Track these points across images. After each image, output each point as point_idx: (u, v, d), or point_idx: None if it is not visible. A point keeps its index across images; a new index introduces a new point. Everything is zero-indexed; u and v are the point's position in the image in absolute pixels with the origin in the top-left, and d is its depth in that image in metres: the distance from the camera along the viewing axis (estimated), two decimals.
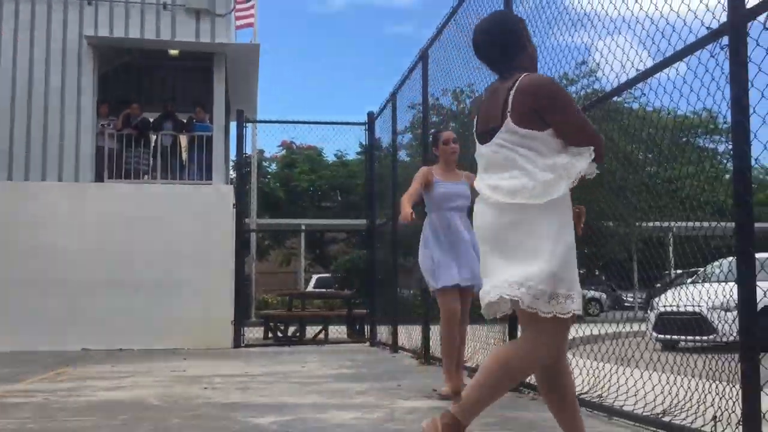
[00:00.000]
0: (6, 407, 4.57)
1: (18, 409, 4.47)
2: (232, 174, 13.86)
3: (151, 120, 11.29)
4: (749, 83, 2.88)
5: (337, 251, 28.52)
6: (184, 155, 11.01)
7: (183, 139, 10.95)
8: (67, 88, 10.38)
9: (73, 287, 9.84)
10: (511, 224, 2.44)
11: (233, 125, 13.02)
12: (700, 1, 3.18)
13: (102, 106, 10.87)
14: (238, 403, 4.69)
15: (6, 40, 10.27)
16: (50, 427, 3.85)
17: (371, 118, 10.99)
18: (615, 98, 4.47)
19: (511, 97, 2.47)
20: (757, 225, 3.10)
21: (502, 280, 2.43)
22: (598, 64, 4.34)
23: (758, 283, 2.91)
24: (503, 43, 2.63)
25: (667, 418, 3.55)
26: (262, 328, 11.77)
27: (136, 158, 10.83)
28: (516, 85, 2.48)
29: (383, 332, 10.02)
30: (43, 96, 10.29)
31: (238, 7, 14.29)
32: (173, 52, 11.57)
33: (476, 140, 2.65)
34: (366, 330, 11.10)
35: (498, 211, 2.48)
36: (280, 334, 11.40)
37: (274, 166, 29.52)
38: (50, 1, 10.45)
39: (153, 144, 11.00)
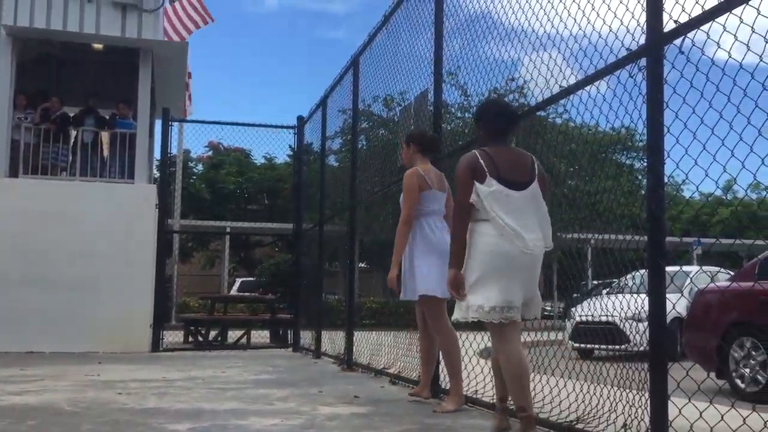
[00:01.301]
0: None
1: None
2: (156, 173, 13.53)
3: (72, 115, 10.90)
4: (665, 104, 3.01)
5: (263, 255, 28.23)
6: (106, 152, 10.67)
7: (105, 136, 10.62)
8: None
9: None
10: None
11: (158, 123, 12.75)
12: (621, 23, 3.31)
13: (19, 97, 10.43)
14: (153, 409, 4.57)
15: None
16: None
17: (301, 121, 10.95)
18: (540, 113, 4.59)
19: (537, 168, 3.58)
20: (669, 239, 3.23)
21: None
22: (524, 80, 4.45)
23: (668, 295, 3.04)
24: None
25: (580, 425, 3.66)
26: (183, 332, 11.53)
27: (54, 154, 10.43)
28: (536, 162, 3.62)
29: (306, 337, 9.97)
30: None
31: (197, 6, 14.03)
32: (97, 46, 11.22)
33: (499, 184, 3.43)
34: (289, 335, 11.02)
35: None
36: (201, 338, 11.20)
37: (200, 167, 28.99)
38: None
39: (73, 140, 10.61)
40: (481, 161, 3.46)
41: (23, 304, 9.49)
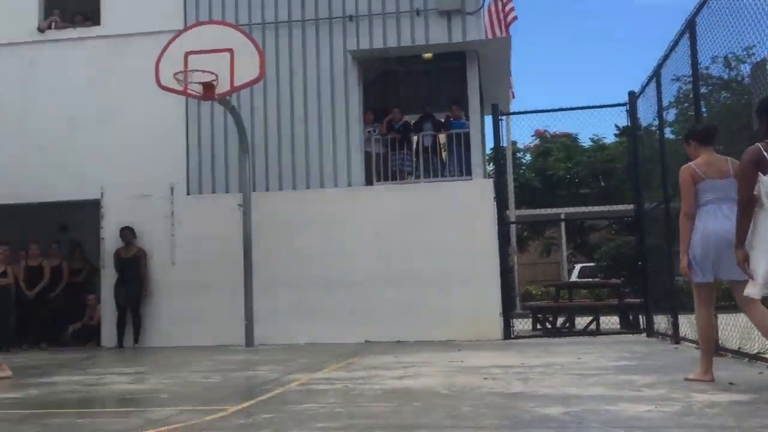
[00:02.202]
0: (313, 393, 5.09)
1: (324, 395, 4.95)
2: (489, 168, 14.03)
3: (412, 122, 11.83)
4: None
5: (599, 239, 27.53)
6: (444, 154, 11.38)
7: (442, 138, 11.33)
8: (336, 100, 11.25)
9: (353, 283, 10.67)
10: None
11: (487, 119, 13.21)
12: None
13: (367, 113, 11.63)
14: (521, 393, 4.74)
15: (283, 63, 11.39)
16: (355, 411, 4.21)
17: (632, 97, 10.46)
18: None
19: None
20: None
21: None
22: None
23: None
24: None
25: None
26: (530, 320, 11.78)
27: (400, 160, 11.42)
28: None
29: (661, 322, 9.49)
30: (317, 111, 11.25)
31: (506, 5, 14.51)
32: (427, 55, 12.01)
33: None
34: (641, 320, 10.59)
35: None
36: (549, 326, 11.31)
37: (528, 157, 29.32)
38: (317, 23, 11.40)
39: (414, 145, 11.54)
40: (765, 153, 3.81)
41: (389, 300, 10.55)
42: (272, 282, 10.73)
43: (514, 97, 16.47)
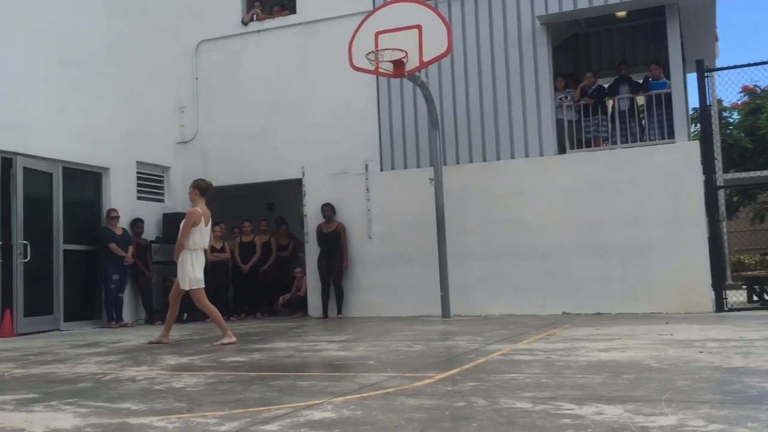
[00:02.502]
0: (516, 363, 5.10)
1: (527, 365, 4.94)
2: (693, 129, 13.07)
3: (606, 86, 11.32)
4: None
5: None
6: (643, 117, 10.79)
7: (640, 100, 10.74)
8: (525, 68, 11.01)
9: (547, 255, 10.49)
10: None
11: (689, 78, 12.32)
12: None
13: (557, 80, 11.29)
14: (743, 368, 4.43)
15: (470, 34, 11.34)
16: (562, 382, 4.16)
17: None
18: None
19: None
20: None
21: None
22: None
23: None
24: None
25: None
26: (744, 291, 10.92)
27: (594, 126, 11.00)
28: None
29: None
30: (505, 80, 11.10)
31: None
32: (620, 13, 11.39)
33: None
34: None
35: None
36: (767, 297, 10.42)
37: (735, 115, 26.92)
38: None
39: (610, 110, 11.05)
40: None
41: (585, 271, 10.26)
42: (466, 254, 10.83)
43: (719, 51, 15.17)
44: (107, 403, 4.00)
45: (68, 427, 3.34)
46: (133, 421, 3.44)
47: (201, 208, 7.57)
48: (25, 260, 9.86)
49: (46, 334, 9.80)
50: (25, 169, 10.14)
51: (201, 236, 7.52)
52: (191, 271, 7.42)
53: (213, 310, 7.52)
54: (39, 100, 10.47)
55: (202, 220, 7.50)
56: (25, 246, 9.88)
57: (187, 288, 7.46)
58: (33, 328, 9.94)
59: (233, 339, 7.33)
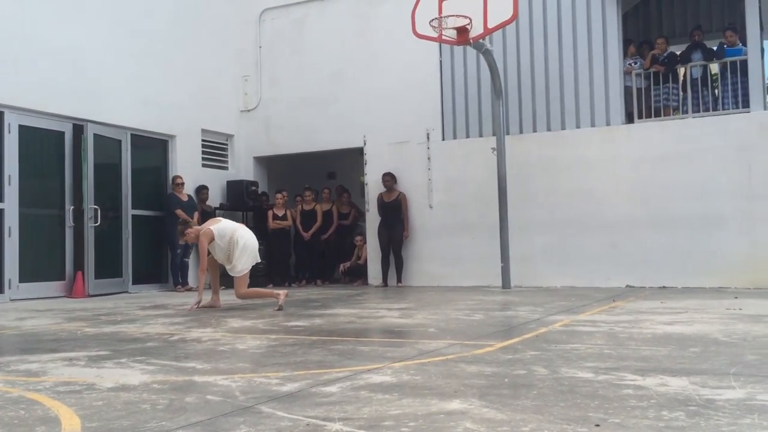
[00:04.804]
0: (578, 334, 5.02)
1: (590, 336, 4.86)
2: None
3: (678, 53, 10.90)
4: None
5: None
6: (716, 85, 10.37)
7: (714, 68, 10.31)
8: (593, 34, 10.68)
9: (612, 227, 10.27)
10: None
11: (767, 45, 11.74)
12: None
13: (628, 46, 10.94)
14: None
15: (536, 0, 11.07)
16: (625, 354, 4.08)
17: None
18: None
19: None
20: None
21: None
22: None
23: None
24: None
25: None
26: None
27: (665, 95, 10.62)
28: None
29: None
30: (572, 47, 10.80)
31: None
32: None
33: None
34: None
35: None
36: None
37: None
38: None
39: (682, 78, 10.65)
40: None
41: (651, 244, 10.02)
42: (528, 224, 10.69)
43: None
44: (174, 361, 4.12)
45: (136, 383, 3.45)
46: (198, 379, 3.54)
47: (206, 228, 7.64)
48: (96, 224, 10.20)
49: (115, 296, 10.15)
50: (96, 136, 10.45)
51: (221, 247, 7.55)
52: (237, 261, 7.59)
53: (250, 292, 7.72)
54: (108, 68, 10.73)
55: (214, 234, 7.52)
56: (96, 210, 10.22)
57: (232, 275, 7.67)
58: (103, 290, 10.32)
59: (285, 291, 7.73)
